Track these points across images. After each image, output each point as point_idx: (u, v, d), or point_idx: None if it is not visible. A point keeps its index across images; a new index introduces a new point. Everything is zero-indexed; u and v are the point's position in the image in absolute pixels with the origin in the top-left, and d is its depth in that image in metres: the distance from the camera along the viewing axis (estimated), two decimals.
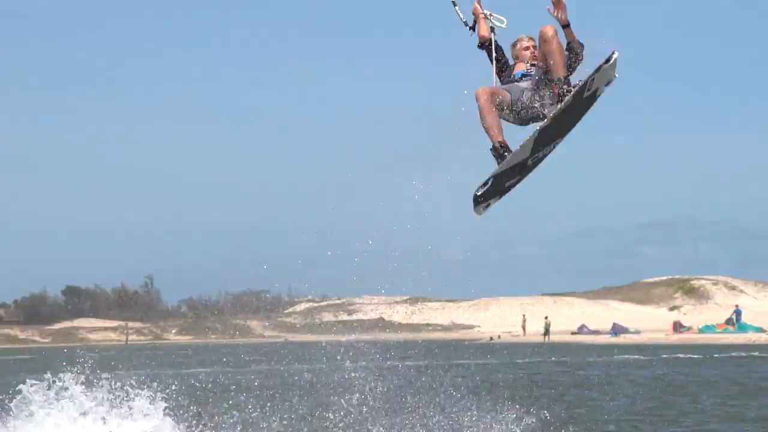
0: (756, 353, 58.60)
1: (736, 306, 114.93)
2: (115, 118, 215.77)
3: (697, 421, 22.63)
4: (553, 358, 57.28)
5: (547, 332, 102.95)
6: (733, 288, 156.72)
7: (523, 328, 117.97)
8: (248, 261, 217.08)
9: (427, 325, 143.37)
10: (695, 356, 55.19)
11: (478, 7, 14.73)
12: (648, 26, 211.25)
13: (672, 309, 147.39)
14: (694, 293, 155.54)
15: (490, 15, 14.73)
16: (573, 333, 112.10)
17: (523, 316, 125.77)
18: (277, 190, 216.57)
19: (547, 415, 21.65)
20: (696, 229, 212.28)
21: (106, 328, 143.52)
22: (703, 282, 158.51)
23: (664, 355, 57.48)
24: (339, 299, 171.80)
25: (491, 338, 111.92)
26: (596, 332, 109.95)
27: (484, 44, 14.70)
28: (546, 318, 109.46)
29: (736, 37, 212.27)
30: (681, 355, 56.98)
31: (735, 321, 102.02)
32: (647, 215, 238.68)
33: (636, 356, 57.69)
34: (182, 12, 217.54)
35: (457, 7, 14.83)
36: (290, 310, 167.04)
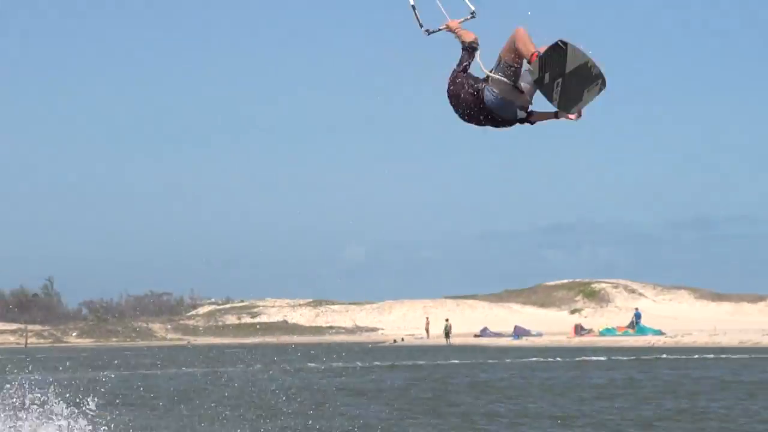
0: (663, 355, 59.45)
1: (636, 309, 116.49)
2: (10, 118, 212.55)
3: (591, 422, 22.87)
4: (454, 360, 57.58)
5: (447, 334, 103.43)
6: (633, 291, 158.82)
7: (427, 330, 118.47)
8: (149, 263, 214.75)
9: (331, 327, 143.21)
10: (599, 358, 55.86)
11: (453, 23, 13.95)
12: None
13: (573, 312, 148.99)
14: (594, 296, 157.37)
15: (464, 21, 14.02)
16: (476, 335, 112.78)
17: (427, 318, 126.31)
18: (179, 193, 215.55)
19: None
20: (596, 232, 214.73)
21: (4, 331, 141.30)
22: (603, 285, 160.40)
23: (567, 358, 58.06)
24: (242, 302, 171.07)
25: (395, 341, 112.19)
26: (498, 335, 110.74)
27: (473, 47, 13.87)
28: (447, 320, 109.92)
29: (630, 53, 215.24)
30: (585, 357, 57.66)
31: (634, 324, 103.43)
32: (549, 219, 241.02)
33: (535, 358, 58.29)
34: None
35: (416, 12, 14.11)
36: (193, 312, 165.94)
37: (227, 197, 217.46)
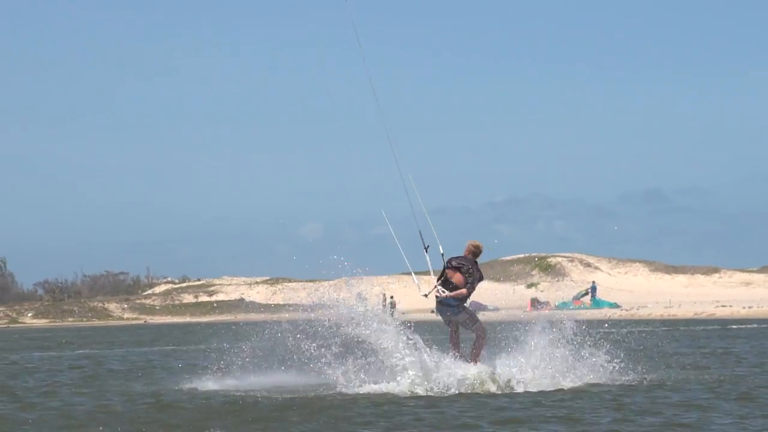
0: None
1: (593, 282, 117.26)
2: None
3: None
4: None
5: (392, 309, 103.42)
6: (589, 265, 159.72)
7: (384, 305, 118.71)
8: (105, 243, 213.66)
9: (288, 305, 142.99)
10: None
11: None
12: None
13: (530, 286, 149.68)
14: (550, 270, 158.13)
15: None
16: (432, 311, 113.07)
17: (383, 294, 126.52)
18: (134, 171, 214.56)
19: None
20: (550, 207, 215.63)
21: None
22: (559, 259, 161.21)
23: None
24: (198, 280, 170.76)
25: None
26: None
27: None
28: (391, 297, 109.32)
29: (580, 25, 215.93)
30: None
31: (591, 297, 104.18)
32: (502, 194, 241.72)
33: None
34: None
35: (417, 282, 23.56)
36: (149, 291, 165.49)
37: (183, 176, 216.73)
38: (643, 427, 17.12)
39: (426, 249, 24.66)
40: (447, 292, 23.79)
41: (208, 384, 24.49)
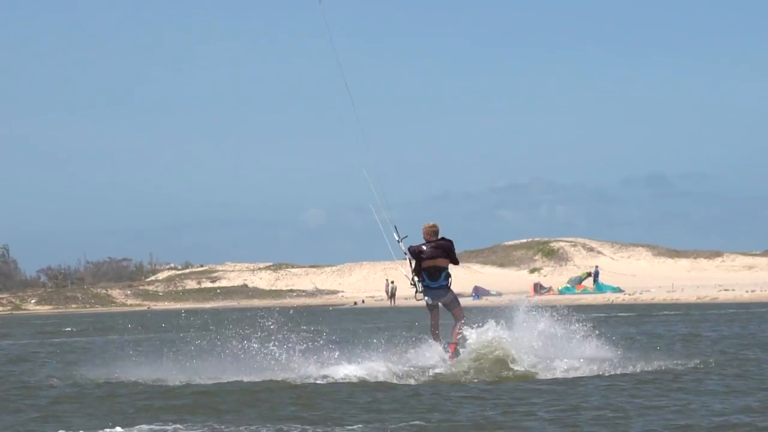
0: (619, 313, 59.81)
1: (596, 267, 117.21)
2: None
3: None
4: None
5: (392, 296, 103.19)
6: (591, 249, 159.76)
7: (387, 292, 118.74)
8: (108, 229, 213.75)
9: (291, 291, 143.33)
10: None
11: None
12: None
13: (532, 271, 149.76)
14: (553, 255, 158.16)
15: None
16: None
17: (386, 280, 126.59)
18: (137, 157, 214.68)
19: None
20: (552, 192, 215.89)
21: None
22: (561, 244, 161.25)
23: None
24: (202, 266, 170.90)
25: (355, 303, 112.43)
26: (458, 295, 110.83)
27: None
28: (392, 282, 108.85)
29: (582, 10, 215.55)
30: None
31: (593, 281, 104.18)
32: (504, 179, 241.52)
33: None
34: None
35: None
36: (152, 278, 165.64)
37: (186, 162, 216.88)
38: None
39: (400, 241, 25.27)
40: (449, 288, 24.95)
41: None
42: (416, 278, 24.67)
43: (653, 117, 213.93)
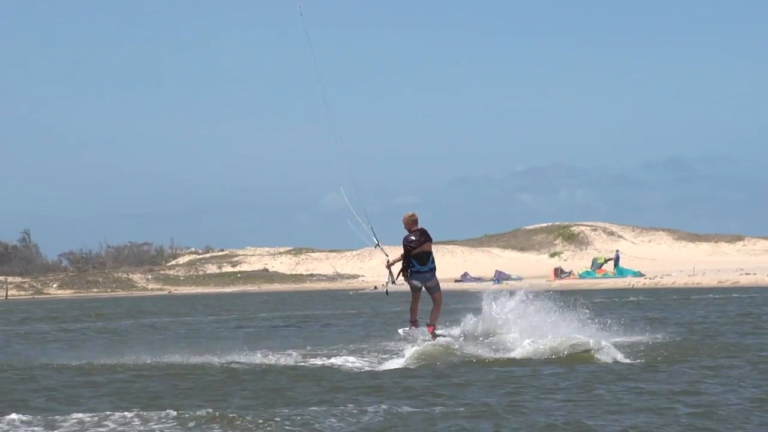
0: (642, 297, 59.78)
1: (616, 251, 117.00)
2: None
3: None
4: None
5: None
6: (612, 233, 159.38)
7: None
8: (129, 213, 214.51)
9: (311, 275, 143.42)
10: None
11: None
12: None
13: (553, 255, 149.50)
14: (573, 239, 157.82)
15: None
16: (456, 281, 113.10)
17: None
18: (158, 141, 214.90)
19: None
20: (572, 176, 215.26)
21: None
22: (582, 228, 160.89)
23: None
24: (222, 251, 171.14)
25: (375, 287, 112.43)
26: (479, 279, 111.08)
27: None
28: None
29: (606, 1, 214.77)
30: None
31: (614, 265, 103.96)
32: (524, 163, 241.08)
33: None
34: None
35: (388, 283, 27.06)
36: (173, 262, 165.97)
37: (207, 146, 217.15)
38: None
39: (377, 245, 28.73)
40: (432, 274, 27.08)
41: None
42: (393, 269, 27.16)
43: (673, 100, 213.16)
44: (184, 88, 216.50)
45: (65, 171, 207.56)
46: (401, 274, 26.96)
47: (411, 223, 26.73)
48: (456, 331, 26.14)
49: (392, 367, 20.80)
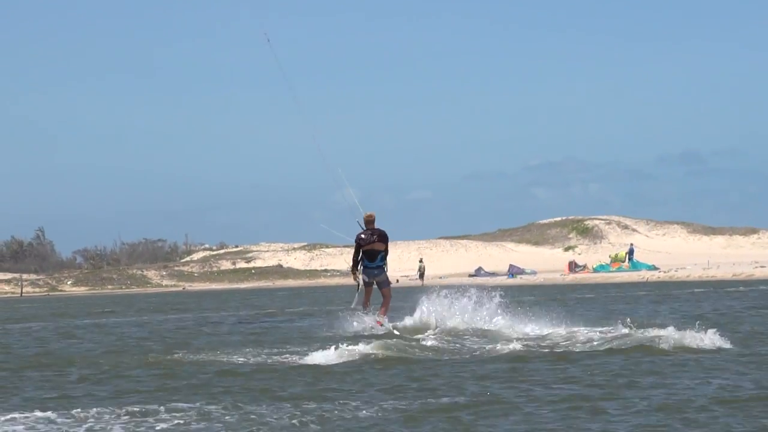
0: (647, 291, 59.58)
1: (631, 244, 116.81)
2: None
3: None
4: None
5: (421, 275, 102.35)
6: (626, 227, 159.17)
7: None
8: (143, 210, 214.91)
9: (326, 270, 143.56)
10: (588, 295, 55.93)
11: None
12: None
13: (567, 249, 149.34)
14: (588, 233, 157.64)
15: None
16: (470, 275, 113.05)
17: (421, 259, 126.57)
18: (172, 138, 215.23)
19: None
20: (586, 170, 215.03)
21: None
22: (596, 222, 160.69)
23: (558, 296, 58.20)
24: (236, 247, 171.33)
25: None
26: (493, 274, 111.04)
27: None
28: (420, 261, 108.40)
29: None
30: (576, 295, 57.76)
31: (628, 259, 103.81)
32: (537, 157, 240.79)
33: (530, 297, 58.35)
34: None
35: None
36: (187, 258, 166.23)
37: (221, 143, 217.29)
38: None
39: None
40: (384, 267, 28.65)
41: None
42: (353, 262, 28.56)
43: (687, 94, 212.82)
44: (199, 85, 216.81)
45: (79, 169, 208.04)
46: (352, 268, 28.62)
47: (367, 222, 28.48)
48: (405, 322, 27.57)
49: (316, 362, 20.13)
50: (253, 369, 19.29)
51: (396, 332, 26.15)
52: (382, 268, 28.24)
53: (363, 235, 28.27)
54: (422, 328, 26.39)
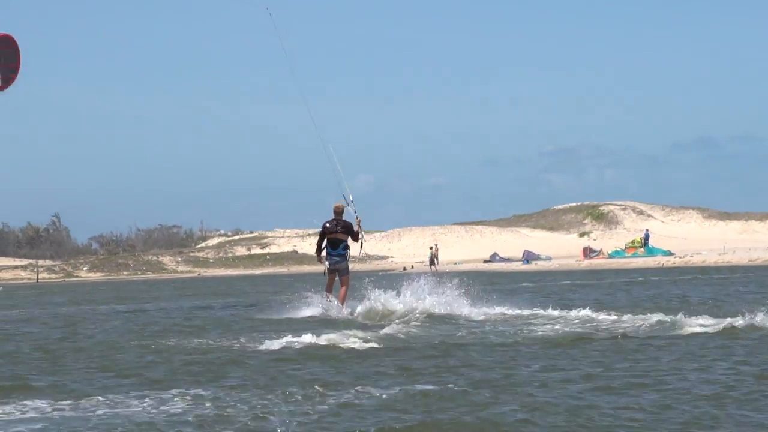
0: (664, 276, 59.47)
1: (646, 230, 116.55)
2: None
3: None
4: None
5: (433, 262, 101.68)
6: (641, 213, 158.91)
7: (436, 257, 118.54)
8: (158, 196, 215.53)
9: None
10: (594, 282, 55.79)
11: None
12: None
13: (582, 235, 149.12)
14: (603, 219, 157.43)
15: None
16: (485, 261, 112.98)
17: (435, 245, 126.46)
18: (188, 124, 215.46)
19: None
20: (601, 156, 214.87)
21: (15, 267, 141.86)
22: (611, 207, 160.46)
23: (578, 281, 58.10)
24: (251, 233, 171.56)
25: (404, 268, 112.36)
26: (508, 260, 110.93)
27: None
28: (431, 247, 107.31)
29: None
30: (579, 282, 57.63)
31: (644, 244, 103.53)
32: (552, 143, 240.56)
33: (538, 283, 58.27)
34: None
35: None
36: (203, 244, 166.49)
37: (237, 129, 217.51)
38: None
39: (356, 213, 30.93)
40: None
41: None
42: (317, 247, 30.17)
43: (703, 79, 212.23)
44: (215, 70, 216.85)
45: (96, 155, 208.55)
46: (316, 252, 30.26)
47: (335, 212, 30.06)
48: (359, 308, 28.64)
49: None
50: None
51: (354, 317, 27.44)
52: (344, 256, 29.97)
53: (328, 224, 29.95)
54: (380, 316, 27.12)
